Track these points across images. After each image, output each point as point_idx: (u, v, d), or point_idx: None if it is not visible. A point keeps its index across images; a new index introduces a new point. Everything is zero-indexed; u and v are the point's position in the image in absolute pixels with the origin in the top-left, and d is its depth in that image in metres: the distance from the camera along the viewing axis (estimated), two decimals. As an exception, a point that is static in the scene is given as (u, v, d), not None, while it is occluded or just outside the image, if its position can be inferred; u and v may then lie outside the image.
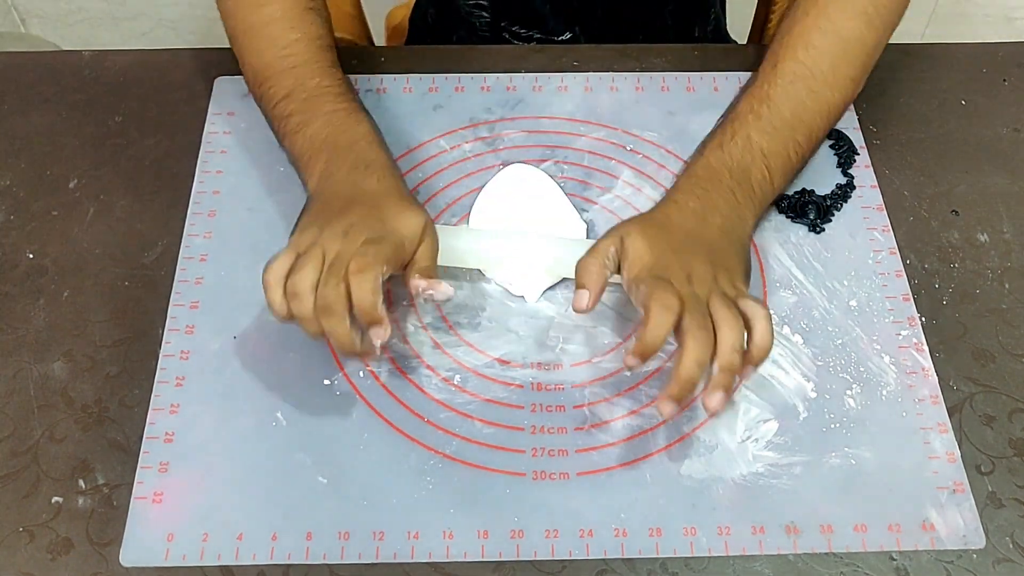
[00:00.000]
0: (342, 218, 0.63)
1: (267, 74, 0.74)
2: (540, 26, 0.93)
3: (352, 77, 0.82)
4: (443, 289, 0.63)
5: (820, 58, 0.73)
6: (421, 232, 0.64)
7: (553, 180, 0.76)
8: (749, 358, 0.59)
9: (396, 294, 0.70)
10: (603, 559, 0.60)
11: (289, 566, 0.59)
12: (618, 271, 0.64)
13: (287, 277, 0.60)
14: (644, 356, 0.58)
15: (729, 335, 0.58)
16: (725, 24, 1.05)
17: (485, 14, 0.94)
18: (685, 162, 0.76)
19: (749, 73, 0.82)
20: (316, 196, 0.68)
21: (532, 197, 0.75)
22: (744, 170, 0.69)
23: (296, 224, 0.67)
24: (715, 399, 0.57)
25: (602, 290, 0.63)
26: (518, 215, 0.73)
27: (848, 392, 0.66)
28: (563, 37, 0.93)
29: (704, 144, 0.73)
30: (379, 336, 0.60)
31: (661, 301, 0.58)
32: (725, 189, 0.69)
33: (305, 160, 0.70)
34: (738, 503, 0.61)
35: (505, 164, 0.77)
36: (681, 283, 0.61)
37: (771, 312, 0.69)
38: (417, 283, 0.63)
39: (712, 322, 0.59)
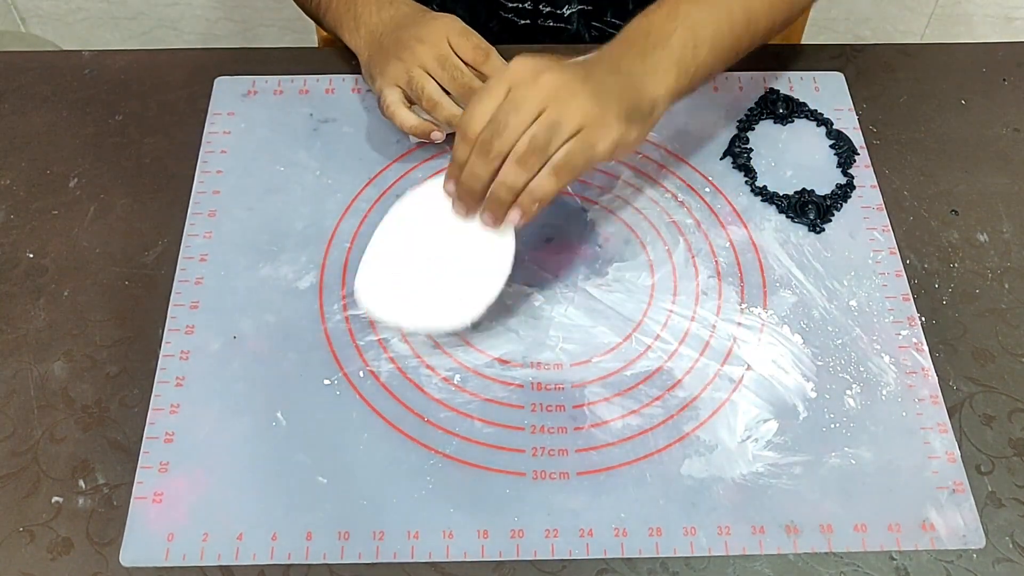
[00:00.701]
0: (407, 42, 0.75)
1: None
2: None
3: (352, 77, 0.83)
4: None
5: None
6: (458, 21, 0.76)
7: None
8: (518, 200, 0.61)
9: (396, 294, 0.70)
10: (603, 559, 0.60)
11: (289, 566, 0.59)
12: None
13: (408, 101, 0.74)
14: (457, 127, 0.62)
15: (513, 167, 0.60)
16: None
17: None
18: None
19: (748, 74, 0.83)
20: (367, 45, 0.79)
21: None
22: (665, 36, 0.66)
23: (369, 75, 0.78)
24: (485, 216, 0.63)
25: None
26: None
27: (848, 392, 0.66)
28: (566, 10, 0.92)
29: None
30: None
31: (489, 88, 0.61)
32: (636, 52, 0.66)
33: (341, 25, 0.81)
34: (738, 503, 0.61)
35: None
36: (522, 101, 0.59)
37: (771, 312, 0.69)
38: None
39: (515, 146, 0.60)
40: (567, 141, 0.60)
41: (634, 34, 0.68)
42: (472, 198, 0.63)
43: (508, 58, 0.84)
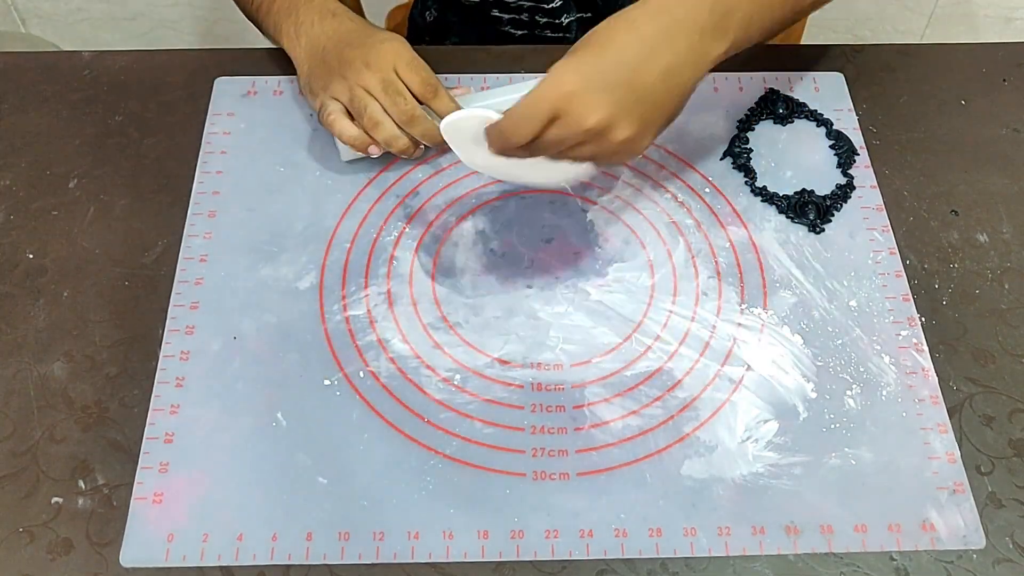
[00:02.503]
0: (351, 60, 0.73)
1: None
2: None
3: (352, 77, 0.83)
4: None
5: None
6: (407, 48, 0.75)
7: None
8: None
9: (395, 293, 0.70)
10: (603, 559, 0.60)
11: (289, 566, 0.59)
12: None
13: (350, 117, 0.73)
14: (493, 140, 0.61)
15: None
16: None
17: None
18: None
19: (748, 74, 0.83)
20: (307, 56, 0.77)
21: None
22: (727, 10, 0.62)
23: (308, 88, 0.77)
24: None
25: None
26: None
27: (848, 392, 0.66)
28: (553, 4, 0.90)
29: None
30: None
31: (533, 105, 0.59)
32: (694, 26, 0.61)
33: (281, 33, 0.79)
34: (738, 503, 0.61)
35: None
36: (568, 125, 0.59)
37: (771, 313, 0.69)
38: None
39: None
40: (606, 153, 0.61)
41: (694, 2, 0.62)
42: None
43: (505, 59, 0.84)
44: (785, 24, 0.70)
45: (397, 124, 0.73)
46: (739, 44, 0.65)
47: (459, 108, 0.73)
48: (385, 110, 0.72)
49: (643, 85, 0.60)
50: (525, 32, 0.93)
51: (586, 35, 0.62)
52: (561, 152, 0.61)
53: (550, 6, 0.91)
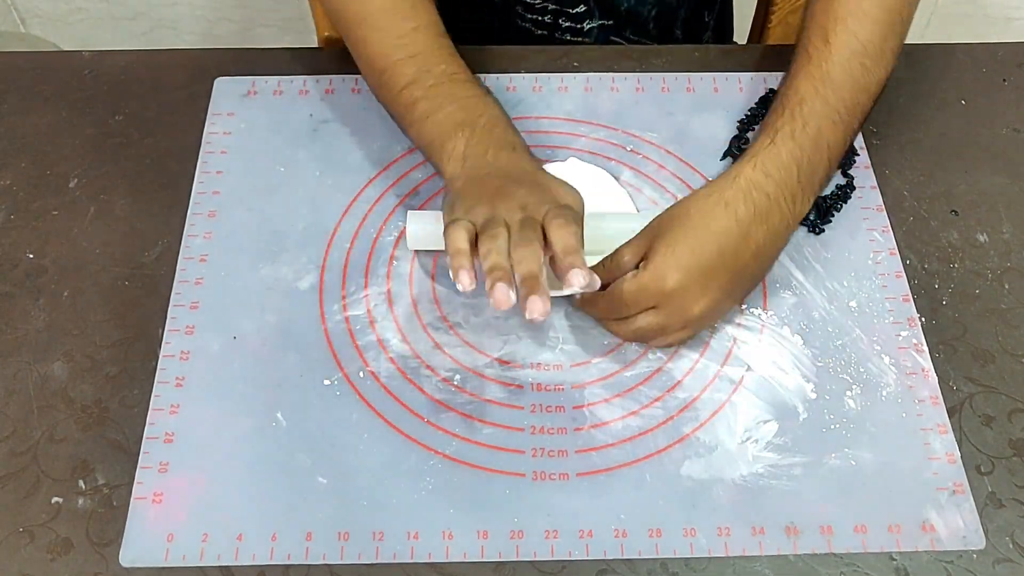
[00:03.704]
0: (512, 193, 0.63)
1: (386, 64, 0.73)
2: None
3: (352, 77, 0.83)
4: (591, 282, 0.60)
5: (873, 29, 0.68)
6: (583, 209, 0.65)
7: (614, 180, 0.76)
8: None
9: (395, 293, 0.70)
10: (603, 560, 0.60)
11: (289, 566, 0.59)
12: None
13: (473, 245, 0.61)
14: (587, 306, 0.66)
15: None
16: (731, 10, 1.04)
17: None
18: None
19: (748, 74, 0.83)
20: (466, 176, 0.66)
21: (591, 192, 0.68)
22: (812, 170, 0.65)
23: (450, 204, 0.65)
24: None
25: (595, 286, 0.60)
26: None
27: (848, 393, 0.66)
28: (578, 9, 0.91)
29: (771, 128, 0.66)
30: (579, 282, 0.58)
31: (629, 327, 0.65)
32: (786, 196, 0.64)
33: (440, 143, 0.69)
34: (738, 504, 0.61)
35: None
36: (670, 316, 0.64)
37: (771, 313, 0.69)
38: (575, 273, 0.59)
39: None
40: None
41: (783, 167, 0.65)
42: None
43: (507, 59, 0.84)
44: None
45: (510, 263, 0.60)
46: (817, 194, 0.69)
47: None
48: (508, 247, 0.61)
49: (739, 267, 0.64)
50: (544, 33, 0.93)
51: (679, 210, 0.65)
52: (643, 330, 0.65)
53: (574, 11, 0.91)
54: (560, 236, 0.60)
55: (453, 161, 0.68)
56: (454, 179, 0.67)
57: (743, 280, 0.66)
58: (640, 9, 0.92)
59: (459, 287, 0.58)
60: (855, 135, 0.72)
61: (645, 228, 0.65)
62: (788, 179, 0.65)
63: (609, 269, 0.65)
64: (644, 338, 0.66)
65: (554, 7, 0.92)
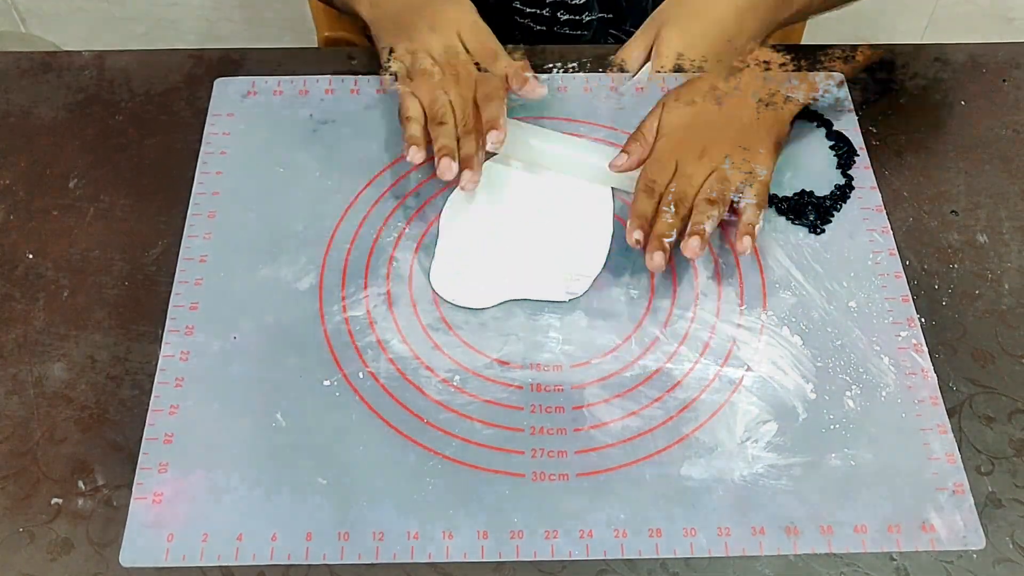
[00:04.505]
0: (417, 25, 0.76)
1: None
2: None
3: (353, 78, 0.83)
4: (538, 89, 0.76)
5: None
6: (470, 12, 0.78)
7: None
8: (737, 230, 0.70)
9: (395, 293, 0.70)
10: (603, 560, 0.60)
11: (289, 566, 0.59)
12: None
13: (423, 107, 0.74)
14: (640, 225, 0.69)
15: (704, 206, 0.69)
16: None
17: None
18: None
19: (749, 74, 0.83)
20: (378, 16, 0.80)
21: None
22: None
23: (382, 49, 0.78)
24: (689, 246, 0.67)
25: (641, 160, 0.73)
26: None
27: (847, 393, 0.66)
28: (577, 1, 0.92)
29: None
30: (494, 140, 0.72)
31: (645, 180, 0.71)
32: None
33: None
34: (738, 504, 0.61)
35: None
36: (689, 161, 0.71)
37: (770, 314, 0.69)
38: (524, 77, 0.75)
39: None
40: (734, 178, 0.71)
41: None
42: (663, 246, 0.68)
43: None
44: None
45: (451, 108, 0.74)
46: (804, 10, 0.81)
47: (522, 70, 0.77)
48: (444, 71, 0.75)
49: (737, 121, 0.73)
50: (543, 28, 0.93)
51: (685, 88, 0.76)
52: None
53: (573, 2, 0.91)
54: (479, 50, 0.76)
55: (363, 5, 0.81)
56: (372, 23, 0.80)
57: (746, 129, 0.73)
58: (640, 1, 0.92)
59: (408, 158, 0.71)
60: None
61: (648, 21, 0.78)
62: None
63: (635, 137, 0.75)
64: (710, 165, 0.72)
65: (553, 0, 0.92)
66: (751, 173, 0.71)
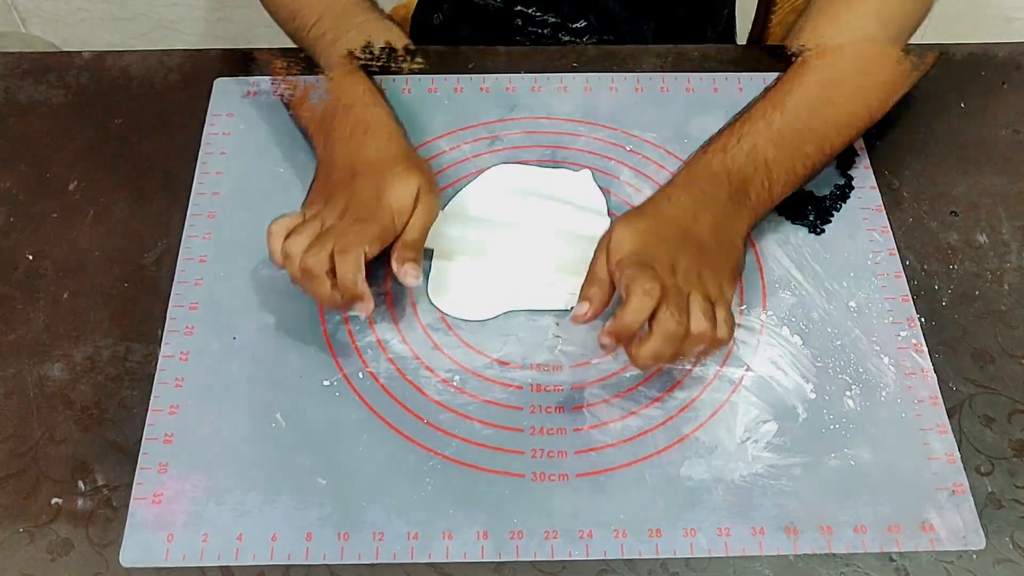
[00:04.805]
0: (343, 192, 0.67)
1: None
2: (556, 9, 0.92)
3: (352, 78, 0.83)
4: (411, 276, 0.65)
5: (855, 63, 0.72)
6: (413, 202, 0.67)
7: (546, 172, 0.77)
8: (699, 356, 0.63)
9: (395, 294, 0.70)
10: (603, 560, 0.60)
11: (289, 566, 0.59)
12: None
13: (288, 236, 0.65)
14: (618, 338, 0.60)
15: (696, 336, 0.60)
16: (735, 27, 1.04)
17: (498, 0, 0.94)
18: (684, 161, 0.76)
19: (748, 74, 0.83)
20: (321, 163, 0.72)
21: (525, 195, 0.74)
22: (744, 180, 0.68)
23: (310, 187, 0.71)
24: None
25: (604, 305, 0.63)
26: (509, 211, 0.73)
27: (847, 393, 0.66)
28: (578, 24, 0.92)
29: (709, 143, 0.71)
30: (362, 310, 0.65)
31: (642, 286, 0.60)
32: (722, 194, 0.68)
33: (313, 129, 0.75)
34: (738, 504, 0.61)
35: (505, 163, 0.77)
36: (665, 272, 0.62)
37: (770, 314, 0.69)
38: (394, 264, 0.66)
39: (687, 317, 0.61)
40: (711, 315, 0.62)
41: (712, 175, 0.68)
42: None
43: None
44: (815, 173, 0.73)
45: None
46: (766, 206, 0.70)
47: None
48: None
49: (699, 238, 0.65)
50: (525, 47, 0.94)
51: (631, 209, 0.69)
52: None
53: (575, 26, 0.92)
54: (338, 269, 0.63)
55: (319, 147, 0.73)
56: (318, 164, 0.73)
57: (708, 249, 0.65)
58: (640, 27, 0.92)
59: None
60: (821, 159, 0.72)
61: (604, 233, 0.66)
62: (718, 189, 0.68)
63: (586, 288, 0.64)
64: (672, 341, 0.60)
65: (554, 20, 0.93)
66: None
